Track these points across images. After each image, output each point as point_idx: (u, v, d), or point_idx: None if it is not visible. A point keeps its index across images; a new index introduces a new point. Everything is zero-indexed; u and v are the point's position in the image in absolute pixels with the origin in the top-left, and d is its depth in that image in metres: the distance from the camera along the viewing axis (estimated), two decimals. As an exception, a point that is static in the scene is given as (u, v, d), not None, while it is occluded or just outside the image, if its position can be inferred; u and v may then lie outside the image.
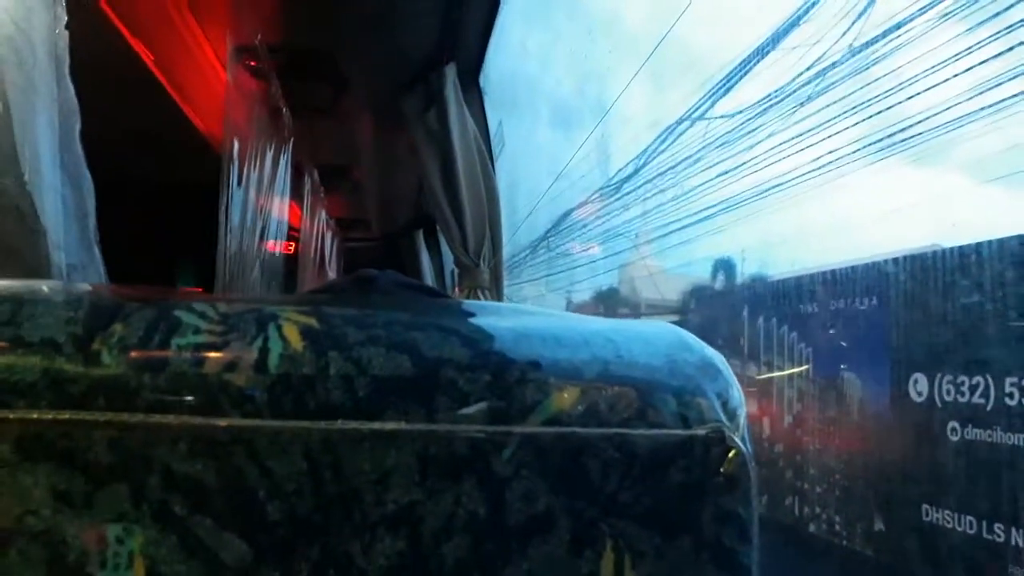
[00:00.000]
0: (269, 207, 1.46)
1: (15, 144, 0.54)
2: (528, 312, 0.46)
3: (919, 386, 3.49)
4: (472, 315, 0.46)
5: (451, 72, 1.41)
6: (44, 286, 0.39)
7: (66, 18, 0.59)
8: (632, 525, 0.37)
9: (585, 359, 0.40)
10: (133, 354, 0.35)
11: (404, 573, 0.35)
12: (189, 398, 0.34)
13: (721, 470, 0.38)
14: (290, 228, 1.86)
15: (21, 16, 0.55)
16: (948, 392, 3.32)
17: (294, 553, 0.34)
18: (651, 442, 0.38)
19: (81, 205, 0.59)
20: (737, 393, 0.42)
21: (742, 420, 0.41)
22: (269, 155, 1.46)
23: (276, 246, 1.56)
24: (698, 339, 0.44)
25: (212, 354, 0.35)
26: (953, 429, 3.27)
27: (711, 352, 0.43)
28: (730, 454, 0.39)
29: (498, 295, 1.51)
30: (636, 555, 0.37)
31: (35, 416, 0.32)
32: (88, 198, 0.60)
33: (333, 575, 0.34)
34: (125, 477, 0.33)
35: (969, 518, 3.19)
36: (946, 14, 3.96)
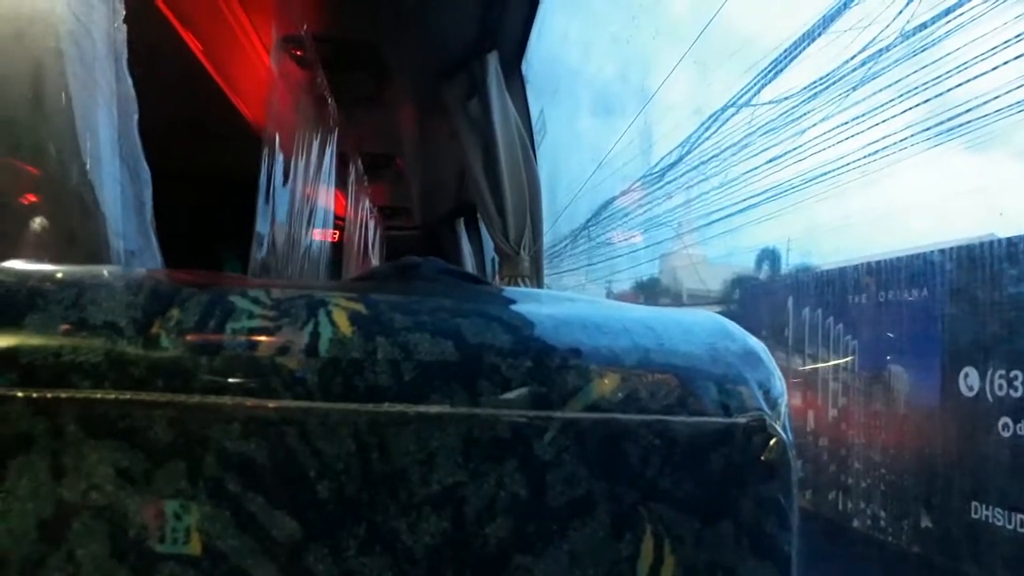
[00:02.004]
0: (315, 196, 1.49)
1: (77, 135, 0.56)
2: (569, 299, 0.47)
3: (970, 380, 3.39)
4: (514, 302, 0.46)
5: (493, 60, 1.41)
6: (105, 271, 0.40)
7: (123, 12, 0.61)
8: (672, 510, 0.38)
9: (626, 346, 0.40)
10: (190, 338, 0.36)
11: (448, 552, 0.36)
12: (243, 380, 0.35)
13: (762, 458, 0.38)
14: (335, 216, 1.88)
15: (82, 11, 0.57)
16: (1000, 387, 3.22)
17: (342, 530, 0.35)
18: (691, 429, 0.38)
19: (139, 194, 0.61)
20: (779, 382, 0.41)
21: (783, 409, 0.40)
22: (315, 144, 1.48)
23: (321, 234, 1.58)
24: (740, 327, 0.44)
25: (265, 338, 0.36)
26: (1005, 425, 3.18)
27: (753, 341, 0.43)
28: (771, 442, 0.38)
29: (538, 283, 1.51)
30: (676, 540, 0.38)
31: (99, 396, 0.34)
32: (145, 187, 0.62)
33: (380, 552, 0.35)
34: (183, 455, 0.34)
35: (1020, 516, 3.10)
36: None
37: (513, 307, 0.44)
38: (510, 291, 0.55)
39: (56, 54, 0.55)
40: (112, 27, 0.60)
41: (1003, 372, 3.23)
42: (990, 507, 3.27)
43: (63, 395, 0.33)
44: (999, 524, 3.21)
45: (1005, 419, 3.20)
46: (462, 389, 0.36)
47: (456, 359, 0.37)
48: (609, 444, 0.37)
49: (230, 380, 0.35)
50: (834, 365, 4.43)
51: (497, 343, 0.38)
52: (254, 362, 0.36)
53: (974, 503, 3.36)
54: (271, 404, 0.35)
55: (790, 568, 0.39)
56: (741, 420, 0.39)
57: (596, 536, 0.37)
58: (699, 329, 0.43)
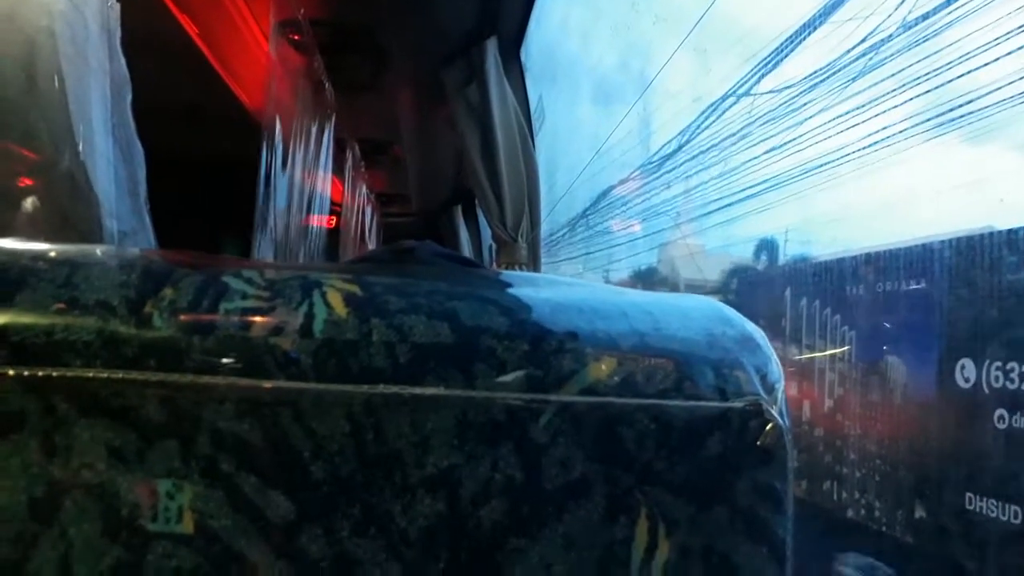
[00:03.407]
0: (312, 181, 1.48)
1: (70, 116, 0.55)
2: (566, 283, 0.46)
3: (966, 371, 3.40)
4: (510, 285, 0.46)
5: (492, 46, 1.40)
6: (98, 250, 0.40)
7: None
8: (667, 494, 0.38)
9: (623, 330, 0.40)
10: (183, 317, 0.36)
11: (442, 534, 0.35)
12: (236, 360, 0.35)
13: (758, 443, 0.38)
14: (332, 202, 1.88)
15: (74, -10, 0.56)
16: (996, 378, 3.23)
17: (336, 512, 0.35)
18: (687, 413, 0.38)
19: (132, 174, 0.60)
20: (776, 368, 0.41)
21: (780, 394, 0.40)
22: (312, 129, 1.47)
23: (318, 220, 1.58)
24: (738, 313, 0.44)
25: (259, 319, 0.36)
26: (1000, 416, 3.19)
27: (751, 326, 0.43)
28: (767, 427, 0.38)
29: (535, 270, 1.51)
30: (671, 523, 0.37)
31: (91, 375, 0.34)
32: (139, 167, 0.61)
33: (374, 534, 0.35)
34: (175, 435, 0.34)
35: (1014, 508, 3.12)
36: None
37: (510, 291, 0.44)
38: (507, 275, 0.55)
39: (48, 34, 0.54)
40: (104, 6, 0.59)
41: (999, 364, 3.24)
42: (984, 498, 3.29)
43: (55, 373, 0.33)
44: (993, 515, 3.22)
45: (1001, 410, 3.20)
46: (457, 371, 0.36)
47: (452, 341, 0.37)
48: (604, 427, 0.37)
49: (223, 360, 0.35)
50: (831, 355, 4.43)
51: (493, 326, 0.38)
52: (248, 342, 0.35)
53: (968, 494, 3.37)
54: (265, 384, 0.35)
55: (784, 552, 0.39)
56: (737, 405, 0.39)
57: (591, 519, 0.37)
58: (697, 314, 0.43)
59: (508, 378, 0.37)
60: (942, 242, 3.68)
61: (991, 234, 3.37)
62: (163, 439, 0.34)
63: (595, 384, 0.37)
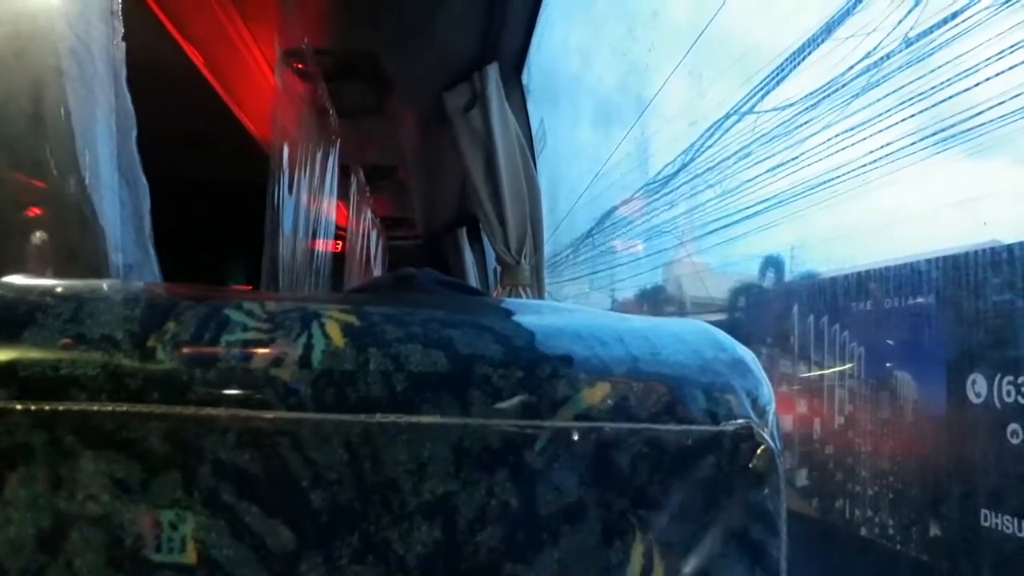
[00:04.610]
0: (317, 206, 1.50)
1: (76, 150, 0.56)
2: (563, 310, 0.47)
3: (977, 387, 3.37)
4: (507, 313, 0.47)
5: (494, 71, 1.42)
6: (104, 285, 0.41)
7: (123, 30, 0.62)
8: (661, 518, 0.38)
9: (616, 356, 0.40)
10: (185, 350, 0.36)
11: (440, 561, 0.36)
12: (238, 392, 0.36)
13: (750, 465, 0.39)
14: (337, 227, 1.90)
15: (82, 30, 0.58)
16: (1008, 393, 3.20)
17: (335, 540, 0.35)
18: (680, 437, 0.38)
19: (137, 207, 0.62)
20: (767, 390, 0.42)
21: (771, 417, 0.41)
22: (317, 155, 1.49)
23: (324, 245, 1.59)
24: (730, 337, 0.45)
25: (259, 350, 0.37)
26: (1014, 432, 3.16)
27: (742, 350, 0.44)
28: (759, 450, 0.39)
29: (539, 292, 1.51)
30: (665, 547, 0.38)
31: (95, 408, 0.34)
32: (144, 200, 0.62)
33: (372, 561, 0.35)
34: (178, 466, 0.34)
35: (1031, 524, 3.08)
36: (1008, 1, 3.79)
37: (506, 318, 0.44)
38: (504, 302, 0.56)
39: (56, 72, 0.56)
40: (111, 45, 0.61)
41: (1011, 378, 3.21)
42: (1000, 515, 3.24)
43: (61, 407, 0.34)
44: (1008, 532, 3.18)
45: (1014, 426, 3.17)
46: (453, 399, 0.37)
47: (447, 370, 0.38)
48: (599, 452, 0.37)
49: (225, 392, 0.35)
50: (839, 372, 4.41)
51: (488, 353, 0.39)
52: (248, 374, 0.36)
53: (984, 511, 3.33)
54: (265, 415, 0.35)
55: (779, 573, 0.39)
56: (729, 428, 0.39)
57: (586, 544, 0.37)
58: (690, 338, 0.43)
59: (503, 405, 0.37)
60: (950, 257, 3.66)
61: (997, 249, 3.36)
62: (166, 470, 0.34)
63: (589, 409, 0.38)
